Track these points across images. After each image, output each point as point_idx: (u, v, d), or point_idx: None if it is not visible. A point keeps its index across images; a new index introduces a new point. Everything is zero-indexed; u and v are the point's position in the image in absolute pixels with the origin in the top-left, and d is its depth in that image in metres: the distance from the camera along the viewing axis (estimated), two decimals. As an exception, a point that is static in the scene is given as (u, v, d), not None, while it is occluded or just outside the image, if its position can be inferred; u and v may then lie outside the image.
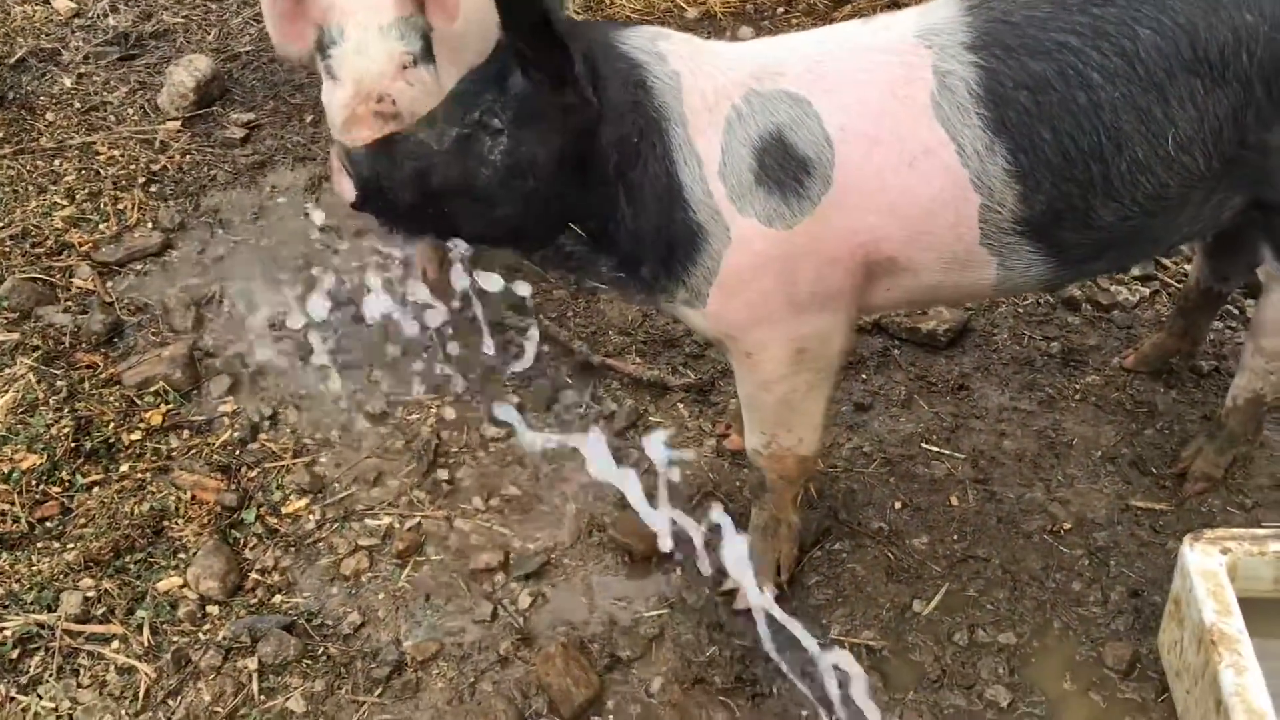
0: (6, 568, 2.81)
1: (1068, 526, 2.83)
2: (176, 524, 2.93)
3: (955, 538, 2.84)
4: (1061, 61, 2.19)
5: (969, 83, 2.19)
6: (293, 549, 2.89)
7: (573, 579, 2.81)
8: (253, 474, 3.08)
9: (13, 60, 4.77)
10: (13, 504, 2.94)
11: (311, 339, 3.49)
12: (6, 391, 3.22)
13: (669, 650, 2.63)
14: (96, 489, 3.02)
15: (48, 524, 2.93)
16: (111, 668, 2.62)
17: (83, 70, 4.77)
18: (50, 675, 2.60)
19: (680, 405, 3.24)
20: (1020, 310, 3.46)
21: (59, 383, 3.28)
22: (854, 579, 2.76)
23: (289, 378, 3.37)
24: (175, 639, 2.68)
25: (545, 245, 2.36)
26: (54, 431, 3.12)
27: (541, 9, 2.04)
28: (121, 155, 4.27)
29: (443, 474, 3.07)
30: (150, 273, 3.78)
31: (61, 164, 4.22)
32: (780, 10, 5.04)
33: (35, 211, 3.97)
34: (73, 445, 3.09)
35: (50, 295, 3.64)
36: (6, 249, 3.79)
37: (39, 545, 2.88)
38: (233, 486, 3.03)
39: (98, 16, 5.12)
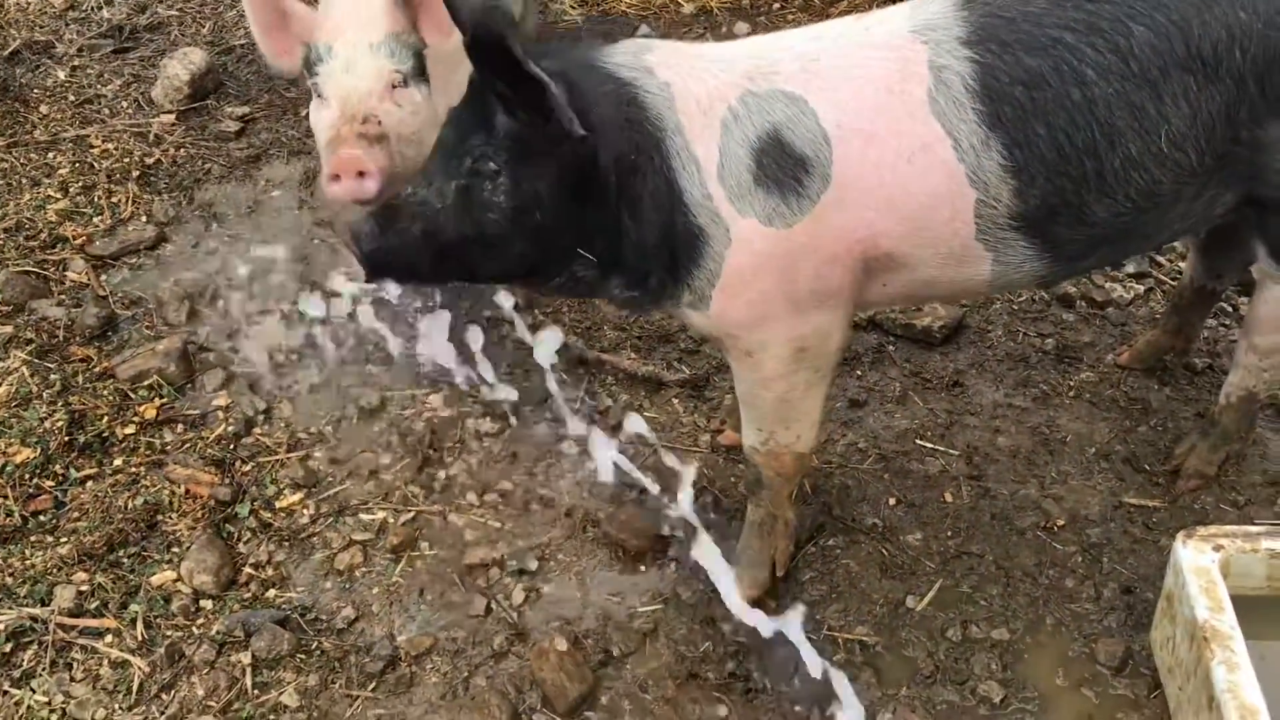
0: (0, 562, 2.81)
1: (1061, 523, 2.84)
2: (170, 518, 2.92)
3: (949, 534, 2.84)
4: (1057, 57, 2.19)
5: (965, 78, 2.20)
6: (287, 543, 2.89)
7: (567, 574, 2.81)
8: (247, 468, 3.08)
9: (6, 52, 4.76)
10: (6, 498, 2.94)
11: (306, 333, 3.50)
12: (0, 385, 3.22)
13: (663, 646, 2.64)
14: (90, 483, 3.01)
15: (41, 518, 2.93)
16: (105, 662, 2.62)
17: (77, 63, 4.75)
18: (43, 669, 2.60)
19: (675, 401, 3.24)
20: (1015, 307, 3.46)
21: (53, 376, 3.27)
22: (848, 575, 2.76)
23: (283, 371, 3.36)
24: (169, 633, 2.68)
25: (560, 275, 2.35)
26: (47, 425, 3.12)
27: (509, 49, 2.00)
28: (115, 148, 4.26)
29: (437, 469, 3.06)
30: (144, 266, 3.77)
31: (55, 157, 4.21)
32: (776, 5, 5.04)
33: (29, 205, 3.96)
34: (66, 439, 3.08)
35: (44, 289, 3.63)
36: (0, 242, 3.78)
37: (32, 539, 2.88)
38: (227, 481, 3.02)
39: (92, 9, 5.10)
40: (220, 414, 3.23)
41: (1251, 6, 2.17)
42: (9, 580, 2.76)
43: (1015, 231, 2.30)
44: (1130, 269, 3.56)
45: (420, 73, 2.80)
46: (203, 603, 2.74)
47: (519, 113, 2.13)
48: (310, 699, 2.55)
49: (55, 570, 2.78)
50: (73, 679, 2.59)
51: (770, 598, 2.68)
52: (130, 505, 2.94)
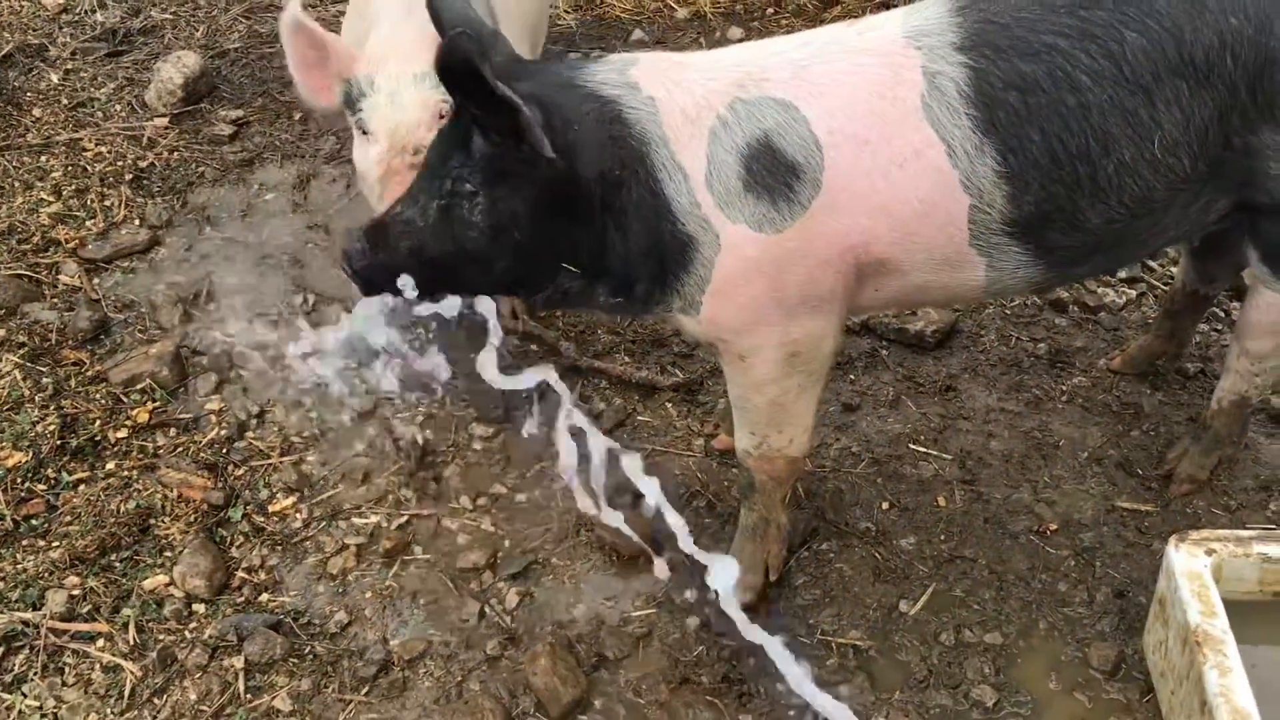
0: (-9, 566, 2.81)
1: (1054, 527, 2.85)
2: (163, 522, 2.92)
3: (942, 538, 2.84)
4: (1051, 63, 2.20)
5: (959, 83, 2.20)
6: (279, 547, 2.88)
7: (560, 578, 2.81)
8: (240, 472, 3.07)
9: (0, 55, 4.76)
10: (-2, 501, 2.93)
11: (299, 337, 3.49)
12: (-8, 388, 3.22)
13: (656, 650, 2.64)
14: (82, 487, 3.01)
15: (33, 522, 2.92)
16: (97, 666, 2.61)
17: (70, 66, 4.74)
18: (35, 674, 2.59)
19: (669, 405, 3.24)
20: (1008, 312, 3.47)
21: (45, 380, 3.27)
22: (841, 579, 2.77)
23: (277, 375, 3.35)
24: (161, 637, 2.67)
25: (545, 288, 2.36)
26: (40, 429, 3.11)
27: (477, 72, 2.01)
28: (109, 152, 4.25)
29: (430, 473, 3.06)
30: (137, 270, 3.77)
31: (48, 160, 4.20)
32: (770, 11, 5.05)
33: (21, 208, 3.95)
34: (59, 443, 3.08)
35: (36, 292, 3.62)
36: (-8, 245, 3.78)
37: (24, 543, 2.87)
38: (219, 485, 3.02)
39: (86, 12, 5.09)
40: (213, 418, 3.23)
41: (1242, 12, 2.18)
42: (0, 585, 2.75)
43: (1009, 237, 2.30)
44: (1123, 274, 3.57)
45: None
46: (195, 607, 2.74)
47: (492, 135, 2.14)
48: (303, 703, 2.54)
49: (47, 574, 2.78)
50: (64, 684, 2.58)
51: (763, 602, 2.68)
52: (122, 509, 2.94)
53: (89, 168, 4.17)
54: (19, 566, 2.80)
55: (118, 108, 4.52)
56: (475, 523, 2.94)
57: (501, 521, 2.94)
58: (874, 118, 2.23)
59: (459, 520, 2.94)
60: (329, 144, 4.30)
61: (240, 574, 2.82)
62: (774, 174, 2.21)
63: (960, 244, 2.31)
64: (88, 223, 3.92)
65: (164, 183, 4.14)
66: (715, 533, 2.86)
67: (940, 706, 2.51)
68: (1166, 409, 3.15)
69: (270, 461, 3.10)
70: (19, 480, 2.99)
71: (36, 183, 4.08)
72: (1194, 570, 2.30)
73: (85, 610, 2.71)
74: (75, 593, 2.74)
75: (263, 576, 2.81)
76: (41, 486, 2.99)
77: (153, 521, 2.92)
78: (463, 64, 2.02)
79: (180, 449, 3.12)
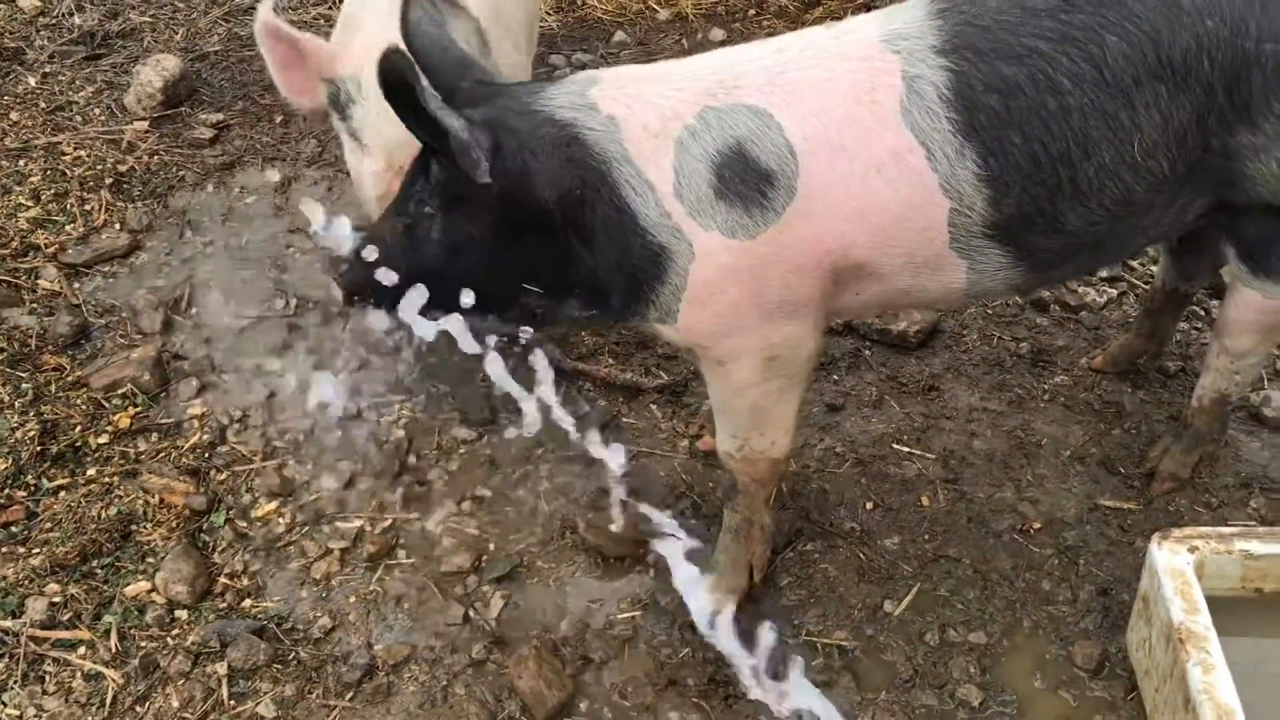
0: (-30, 573, 2.78)
1: (1037, 526, 2.85)
2: (145, 528, 2.90)
3: (926, 538, 2.85)
4: (1032, 66, 2.20)
5: (939, 87, 2.20)
6: (263, 552, 2.87)
7: (545, 581, 2.80)
8: (222, 477, 3.06)
9: (-24, 59, 4.72)
10: (-23, 509, 2.91)
11: (281, 340, 3.48)
12: (-29, 395, 3.19)
13: (642, 652, 2.63)
14: (63, 493, 2.99)
15: (12, 528, 2.90)
16: (78, 674, 2.60)
17: (48, 69, 4.71)
18: (15, 682, 2.57)
19: (654, 406, 3.24)
20: (989, 311, 3.48)
21: (25, 385, 3.24)
22: (826, 579, 2.77)
23: (258, 380, 3.34)
24: (143, 644, 2.66)
25: (510, 308, 2.37)
26: (19, 435, 3.09)
27: (414, 95, 2.02)
28: (88, 156, 4.23)
29: (414, 476, 3.05)
30: (118, 274, 3.75)
31: (27, 164, 4.17)
32: (751, 12, 5.05)
33: (0, 213, 3.92)
34: (39, 449, 3.06)
35: (15, 297, 3.60)
36: (-30, 250, 3.76)
37: (3, 550, 2.85)
38: (202, 490, 3.00)
39: (63, 15, 5.06)
40: (195, 423, 3.21)
41: (1218, 14, 2.19)
42: (-20, 593, 2.74)
43: (989, 240, 2.31)
44: (1103, 273, 3.58)
45: None
46: (178, 613, 2.72)
47: (442, 158, 2.16)
48: (287, 709, 2.53)
49: (27, 582, 2.76)
50: (45, 692, 2.57)
51: (747, 603, 2.68)
52: (104, 515, 2.92)
53: (68, 172, 4.14)
54: (-1, 574, 2.78)
55: (96, 111, 4.49)
56: (460, 526, 2.93)
57: (486, 524, 2.93)
58: (850, 123, 2.22)
59: (444, 524, 2.93)
60: (310, 147, 4.29)
61: (223, 580, 2.80)
62: (747, 181, 2.21)
63: (940, 247, 2.31)
64: (67, 227, 3.90)
65: (144, 187, 4.12)
66: (701, 534, 2.84)
67: (926, 706, 2.51)
68: (1148, 407, 3.16)
69: (253, 466, 3.08)
70: (-2, 487, 2.97)
71: (15, 187, 4.05)
72: (1176, 568, 2.31)
73: (66, 618, 2.69)
74: (56, 600, 2.72)
75: (245, 582, 2.80)
76: (21, 493, 2.97)
77: (134, 527, 2.91)
78: (397, 83, 2.03)
79: (162, 454, 3.11)
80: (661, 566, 2.76)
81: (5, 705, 2.52)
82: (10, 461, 3.02)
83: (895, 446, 3.07)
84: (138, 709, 2.54)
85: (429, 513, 2.96)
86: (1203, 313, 3.43)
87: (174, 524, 2.90)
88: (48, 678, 2.59)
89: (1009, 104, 2.20)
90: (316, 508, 2.98)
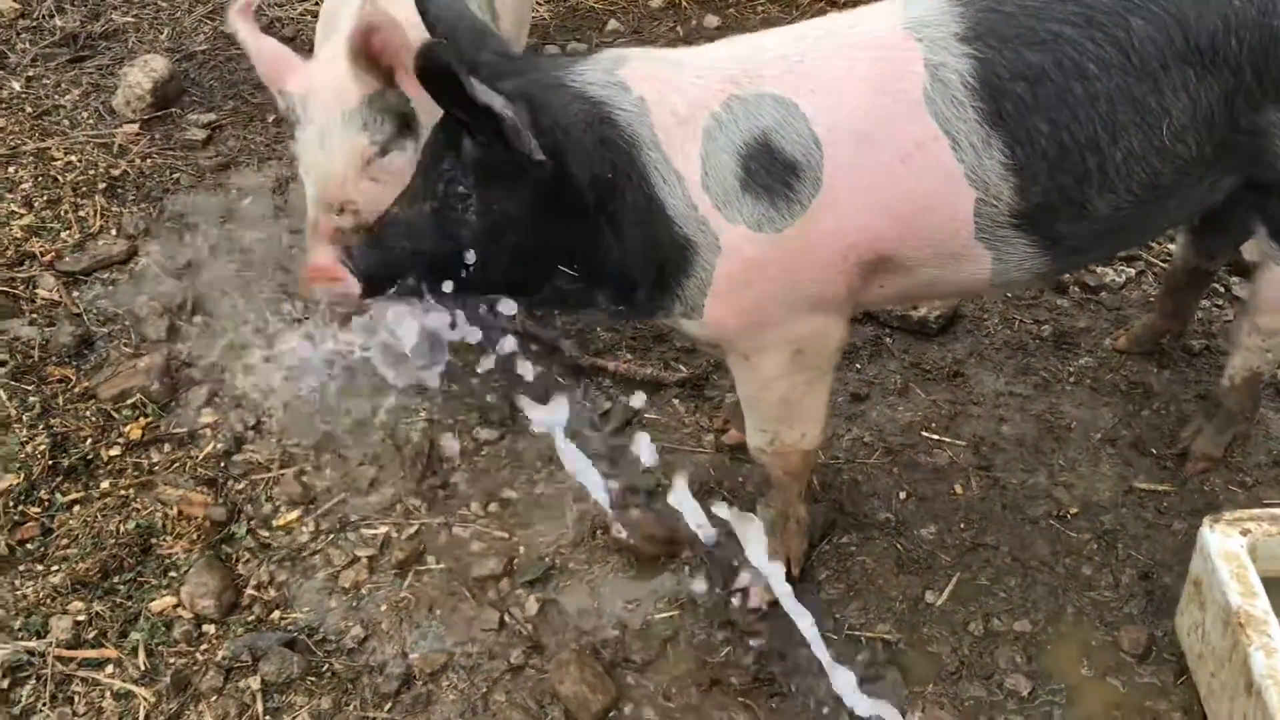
0: (-10, 594, 2.71)
1: (1074, 511, 2.83)
2: (165, 541, 2.83)
3: (962, 526, 2.82)
4: (1057, 52, 2.17)
5: (963, 75, 2.16)
6: (288, 563, 2.81)
7: (579, 583, 2.75)
8: (240, 486, 2.99)
9: (-43, 65, 4.61)
10: (-10, 527, 2.83)
11: (291, 344, 3.40)
12: (-23, 410, 3.11)
13: (683, 652, 2.59)
14: (78, 507, 2.91)
15: (28, 546, 2.82)
16: (108, 694, 2.53)
17: (32, 73, 4.61)
18: (43, 704, 2.50)
19: (676, 401, 3.19)
20: (1009, 295, 3.45)
21: (31, 399, 3.16)
22: (865, 572, 2.73)
23: (270, 385, 3.27)
24: (172, 661, 2.59)
25: (541, 290, 2.31)
26: (29, 449, 3.01)
27: (456, 78, 1.96)
28: (79, 160, 4.13)
29: (437, 479, 3.00)
30: (117, 281, 3.66)
31: (16, 171, 4.07)
32: (745, -3, 5.00)
33: (-8, 221, 3.83)
34: (50, 463, 2.98)
35: (14, 308, 3.51)
36: (-35, 261, 3.66)
37: (21, 569, 2.78)
38: (220, 500, 2.94)
39: (43, 17, 4.95)
40: (208, 431, 3.14)
41: None
42: (1, 613, 2.66)
43: (1016, 230, 2.27)
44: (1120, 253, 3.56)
45: (403, 131, 2.58)
46: (205, 628, 2.66)
47: (479, 138, 2.09)
48: (325, 722, 2.48)
49: (49, 601, 2.68)
50: (75, 713, 2.50)
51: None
52: (122, 529, 2.85)
53: (60, 178, 4.05)
54: (18, 594, 2.71)
55: (84, 115, 4.39)
56: (488, 529, 2.87)
57: (514, 527, 2.88)
58: (874, 113, 2.18)
59: (471, 527, 2.88)
60: (306, 146, 4.20)
61: (249, 591, 2.74)
62: (772, 173, 2.16)
63: (966, 238, 2.27)
64: (63, 234, 3.81)
65: (138, 190, 4.03)
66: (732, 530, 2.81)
67: (974, 698, 2.48)
68: (1175, 387, 3.14)
69: (271, 474, 3.01)
70: (11, 504, 2.88)
71: (6, 194, 3.96)
72: (1230, 551, 2.28)
73: (92, 636, 2.62)
74: (80, 618, 2.64)
75: (273, 593, 2.74)
76: (35, 509, 2.89)
77: (154, 541, 2.84)
78: (441, 72, 1.97)
79: (177, 465, 3.04)
80: (697, 564, 2.74)
81: (38, 729, 2.46)
82: (22, 477, 2.94)
83: (924, 434, 3.04)
84: (171, 728, 2.48)
85: (455, 516, 2.90)
86: (1223, 289, 3.41)
87: (194, 536, 2.84)
88: (77, 698, 2.52)
89: (1035, 91, 2.16)
90: (340, 515, 2.91)
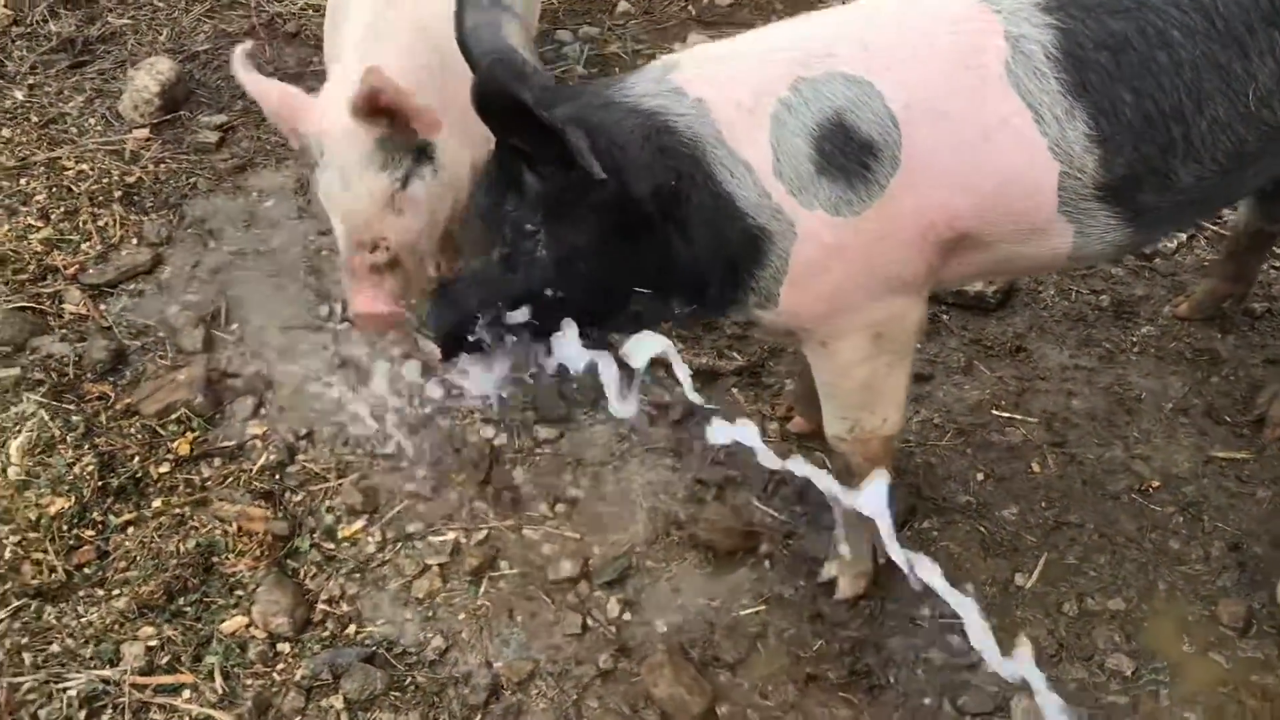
0: (54, 622, 2.61)
1: (1155, 484, 2.79)
2: (228, 559, 2.75)
3: (1044, 505, 2.77)
4: (1140, 20, 2.11)
5: (1046, 46, 2.10)
6: (357, 574, 2.73)
7: (659, 581, 2.69)
8: (299, 498, 2.91)
9: (-46, 75, 4.48)
10: (46, 552, 2.73)
11: (332, 349, 3.32)
12: (19, 432, 2.99)
13: (774, 648, 2.54)
14: (132, 529, 2.82)
15: (86, 571, 2.73)
16: (187, 719, 2.45)
17: (32, 81, 4.47)
18: (123, 734, 2.42)
19: (734, 390, 3.13)
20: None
21: (74, 418, 3.05)
22: (950, 557, 2.68)
23: (317, 392, 3.18)
24: (249, 682, 2.52)
25: (619, 314, 2.26)
26: (77, 471, 2.91)
27: (520, 102, 1.92)
28: (91, 169, 4.01)
29: (501, 481, 2.92)
30: (145, 292, 3.55)
31: (29, 183, 3.94)
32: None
33: (10, 236, 3.70)
34: (100, 484, 2.88)
35: (43, 324, 3.39)
36: (-13, 278, 3.55)
37: (81, 594, 2.69)
38: (280, 514, 2.85)
39: (38, 23, 4.80)
40: (258, 443, 3.05)
41: None
42: (70, 642, 2.57)
43: (1099, 202, 2.22)
44: (1170, 218, 3.51)
45: (419, 161, 2.57)
46: (280, 646, 2.58)
47: (541, 168, 2.04)
48: (415, 739, 2.41)
49: (117, 626, 2.60)
50: (155, 742, 2.42)
51: (877, 589, 2.59)
52: (181, 549, 2.76)
53: (74, 187, 3.93)
54: (83, 620, 2.62)
55: (91, 121, 4.26)
56: (558, 530, 2.81)
57: (585, 527, 2.81)
58: (953, 88, 2.13)
59: (541, 529, 2.81)
60: (325, 144, 4.10)
61: (321, 606, 2.66)
62: (848, 154, 2.10)
63: (1049, 212, 2.22)
64: (83, 246, 3.69)
65: (156, 197, 3.92)
66: (810, 519, 2.75)
67: (1077, 680, 2.44)
68: (1241, 352, 3.10)
69: (329, 484, 2.93)
70: (65, 528, 2.78)
71: (20, 207, 3.83)
72: (1341, 520, 2.24)
73: (165, 661, 2.54)
74: (151, 643, 2.56)
75: (345, 608, 2.66)
76: (90, 532, 2.80)
77: (216, 559, 2.75)
78: (502, 96, 1.94)
79: (230, 479, 2.95)
80: (778, 557, 2.68)
81: (124, 762, 2.38)
82: (73, 500, 2.84)
83: (994, 413, 2.99)
84: (256, 752, 2.40)
85: (524, 519, 2.83)
86: None
87: (258, 552, 2.75)
88: (156, 727, 2.44)
89: (1119, 60, 2.11)
90: (405, 523, 2.84)
